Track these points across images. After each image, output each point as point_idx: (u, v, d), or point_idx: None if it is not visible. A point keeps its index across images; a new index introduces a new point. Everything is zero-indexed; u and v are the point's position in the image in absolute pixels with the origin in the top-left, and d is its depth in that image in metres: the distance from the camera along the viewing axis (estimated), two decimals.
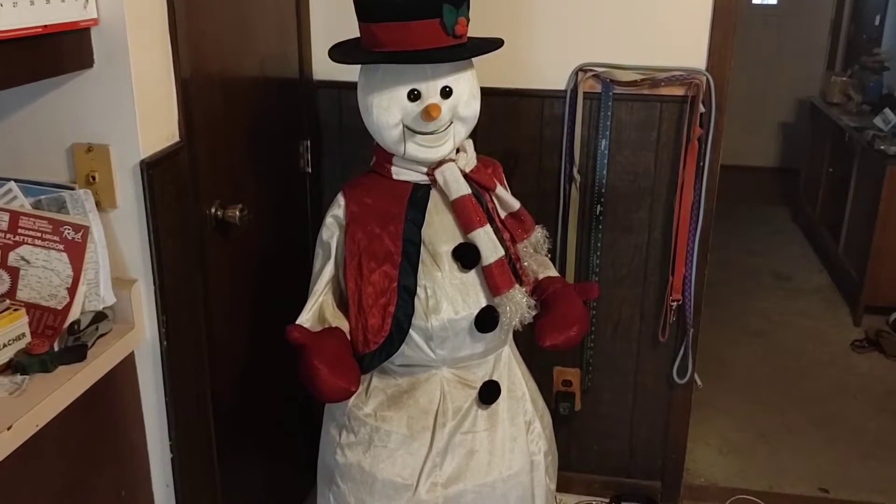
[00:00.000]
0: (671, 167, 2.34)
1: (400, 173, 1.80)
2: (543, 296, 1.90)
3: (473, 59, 1.77)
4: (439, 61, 1.69)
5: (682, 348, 2.48)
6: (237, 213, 1.86)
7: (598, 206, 2.38)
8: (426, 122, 1.69)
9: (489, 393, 1.85)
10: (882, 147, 3.80)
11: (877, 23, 5.48)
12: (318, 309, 1.81)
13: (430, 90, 1.70)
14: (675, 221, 2.35)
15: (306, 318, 1.78)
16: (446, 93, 1.71)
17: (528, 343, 1.93)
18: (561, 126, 2.34)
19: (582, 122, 2.31)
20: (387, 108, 1.71)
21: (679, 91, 2.27)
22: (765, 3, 6.62)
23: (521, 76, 2.32)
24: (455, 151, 1.83)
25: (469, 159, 1.84)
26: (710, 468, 2.87)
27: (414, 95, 1.70)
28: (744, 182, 5.80)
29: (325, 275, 1.82)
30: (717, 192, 2.35)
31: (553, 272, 2.00)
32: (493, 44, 1.76)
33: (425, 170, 1.78)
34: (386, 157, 1.80)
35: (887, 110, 4.07)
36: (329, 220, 1.83)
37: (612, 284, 2.47)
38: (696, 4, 2.22)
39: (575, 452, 2.66)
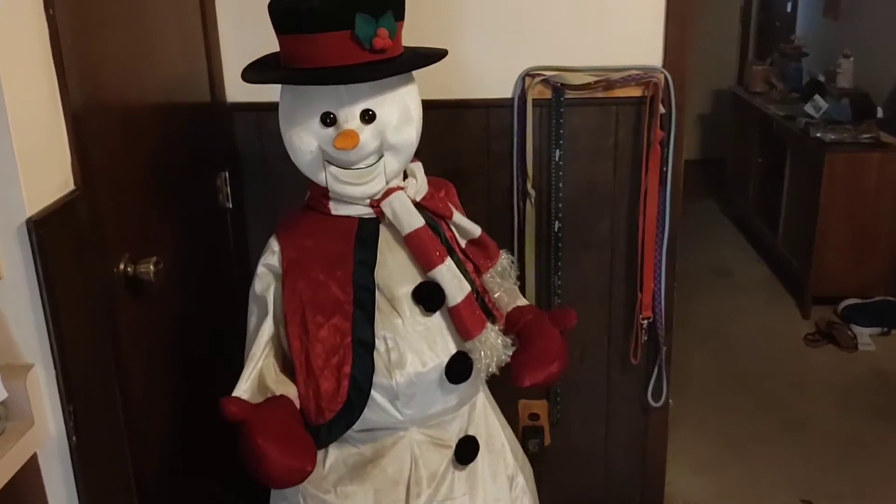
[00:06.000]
0: (631, 174, 2.15)
1: (339, 208, 1.55)
2: (516, 329, 1.68)
3: (415, 73, 1.53)
4: (344, 81, 1.43)
5: (656, 369, 2.29)
6: (151, 267, 1.56)
7: (556, 222, 2.17)
8: (341, 151, 1.43)
9: (466, 451, 1.61)
10: (818, 135, 3.73)
11: (788, 9, 5.49)
12: (258, 376, 1.53)
13: (347, 114, 1.45)
14: (640, 233, 2.16)
15: (244, 389, 1.50)
16: (368, 117, 1.46)
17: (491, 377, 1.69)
18: (510, 138, 2.12)
19: (533, 131, 2.10)
20: (299, 135, 1.47)
21: (636, 92, 2.08)
22: None
23: (461, 85, 2.08)
24: (403, 177, 1.59)
25: (420, 186, 1.60)
26: (688, 489, 2.69)
27: (329, 120, 1.45)
28: None
29: (262, 335, 1.55)
30: None
31: (523, 301, 1.78)
32: (426, 58, 1.52)
33: (367, 202, 1.53)
34: (321, 191, 1.55)
35: (817, 97, 4.01)
36: (262, 269, 1.56)
37: (576, 306, 2.20)
38: None
39: (547, 489, 2.43)
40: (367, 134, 1.45)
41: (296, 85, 1.47)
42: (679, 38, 2.04)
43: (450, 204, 1.66)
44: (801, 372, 3.45)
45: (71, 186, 1.36)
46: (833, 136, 3.70)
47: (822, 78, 4.50)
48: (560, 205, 2.15)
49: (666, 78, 2.04)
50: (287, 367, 1.56)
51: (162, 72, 1.78)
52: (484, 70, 2.08)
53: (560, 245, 2.18)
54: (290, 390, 1.51)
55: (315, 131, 1.45)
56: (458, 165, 2.14)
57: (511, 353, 1.59)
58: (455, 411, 1.61)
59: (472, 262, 1.66)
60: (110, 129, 1.52)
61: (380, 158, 1.49)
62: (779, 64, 4.99)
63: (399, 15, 1.45)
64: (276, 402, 1.48)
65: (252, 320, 1.59)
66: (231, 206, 2.11)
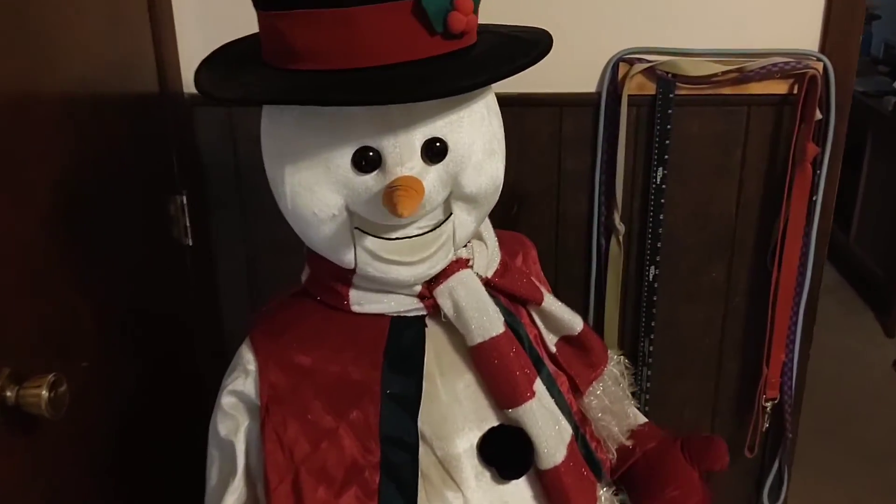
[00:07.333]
0: (763, 204, 1.52)
1: (365, 302, 0.92)
2: (631, 461, 1.09)
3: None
4: (421, 97, 0.80)
5: (777, 462, 1.69)
6: (44, 392, 0.93)
7: (652, 267, 1.54)
8: (393, 216, 0.80)
9: None
10: None
11: None
12: None
13: (402, 150, 0.82)
14: (773, 285, 1.53)
15: None
16: (435, 150, 0.84)
17: None
18: (592, 149, 1.48)
19: (626, 141, 1.46)
20: (311, 191, 0.83)
21: (779, 88, 1.43)
22: None
23: (527, 74, 1.43)
24: (463, 245, 0.96)
25: (491, 255, 0.98)
26: None
27: (368, 160, 0.81)
28: None
29: (226, 502, 0.93)
30: None
31: (638, 416, 1.17)
32: (531, 46, 0.92)
33: (418, 289, 0.91)
34: (333, 272, 0.92)
35: None
36: (227, 399, 0.94)
37: (671, 378, 1.65)
38: None
39: None
40: (432, 179, 0.84)
41: (316, 105, 0.81)
42: (848, 10, 1.40)
43: (535, 280, 1.03)
44: None
45: None
46: None
47: None
48: (659, 244, 1.52)
49: (826, 69, 1.40)
50: None
51: (78, 57, 1.13)
52: (559, 53, 1.42)
53: (655, 298, 1.56)
54: None
55: (343, 181, 0.82)
56: (516, 185, 1.50)
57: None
58: None
59: (567, 374, 1.05)
60: None
61: (448, 217, 0.88)
62: None
63: None
64: None
65: (213, 475, 0.97)
66: (192, 242, 1.48)
